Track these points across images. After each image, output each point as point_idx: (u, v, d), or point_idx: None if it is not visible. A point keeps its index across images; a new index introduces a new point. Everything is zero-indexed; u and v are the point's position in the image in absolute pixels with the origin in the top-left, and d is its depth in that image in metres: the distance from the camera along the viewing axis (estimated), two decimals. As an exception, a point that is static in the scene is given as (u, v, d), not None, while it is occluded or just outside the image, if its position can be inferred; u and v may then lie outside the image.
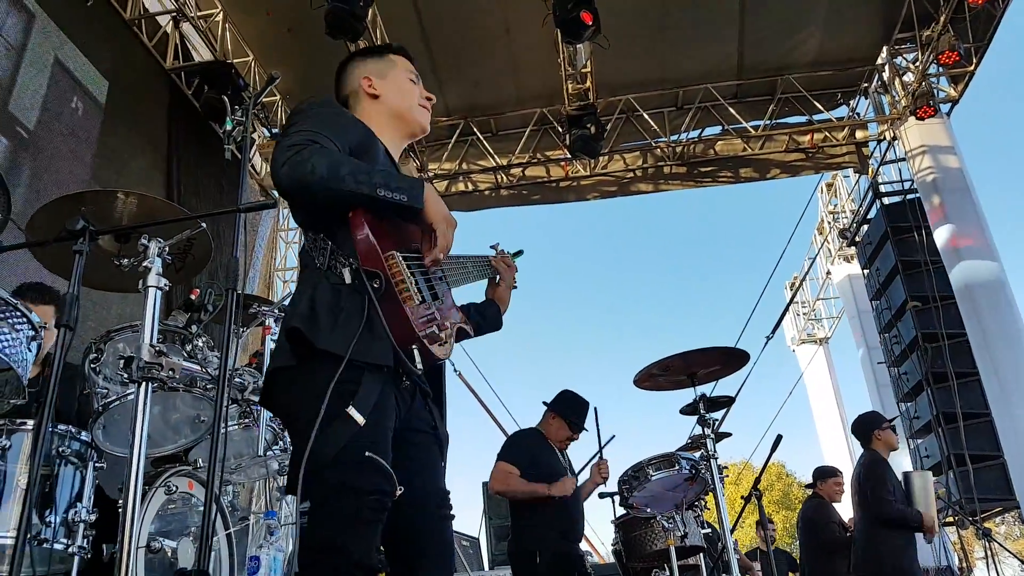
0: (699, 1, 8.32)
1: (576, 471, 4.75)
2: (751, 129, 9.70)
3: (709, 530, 5.24)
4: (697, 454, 4.30)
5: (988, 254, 8.49)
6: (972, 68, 8.74)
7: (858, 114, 10.01)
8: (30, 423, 2.65)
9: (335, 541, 1.67)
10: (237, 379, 3.35)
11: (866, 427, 5.58)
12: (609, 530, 5.26)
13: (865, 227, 10.88)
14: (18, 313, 2.42)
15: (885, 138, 9.75)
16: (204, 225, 2.54)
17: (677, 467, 4.22)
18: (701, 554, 4.93)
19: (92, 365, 3.13)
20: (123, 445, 3.05)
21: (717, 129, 9.85)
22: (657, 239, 64.24)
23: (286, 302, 3.99)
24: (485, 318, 2.35)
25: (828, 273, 14.14)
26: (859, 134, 9.99)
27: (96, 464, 2.85)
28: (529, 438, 4.74)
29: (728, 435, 5.21)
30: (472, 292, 2.51)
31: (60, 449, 2.71)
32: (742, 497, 5.12)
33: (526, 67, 9.02)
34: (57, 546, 2.60)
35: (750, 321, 9.00)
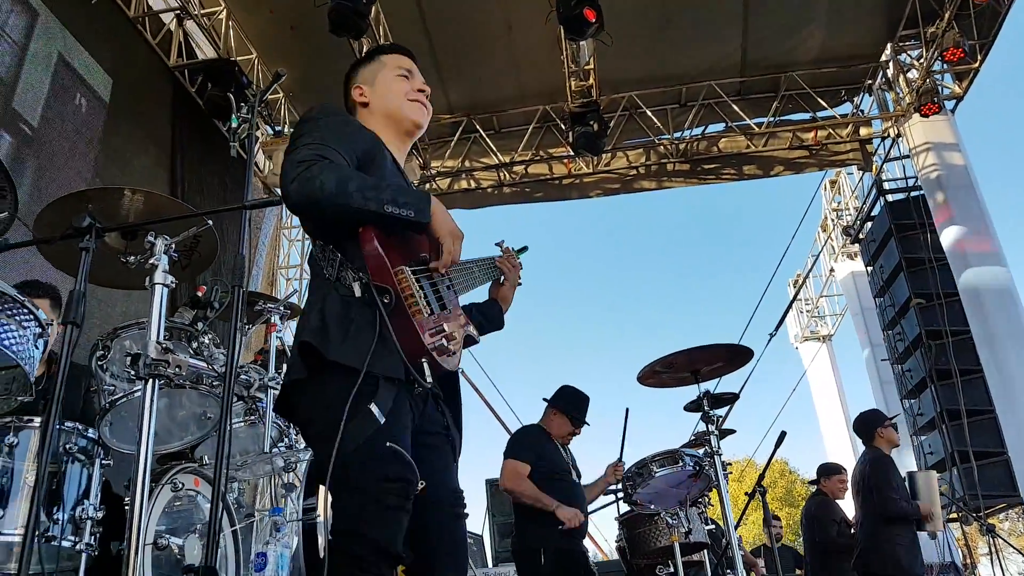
0: (702, -2, 8.31)
1: (580, 470, 4.77)
2: (754, 126, 9.68)
3: (713, 526, 5.24)
4: (701, 450, 4.31)
5: (992, 251, 8.48)
6: (977, 65, 8.72)
7: (862, 111, 9.99)
8: (37, 420, 2.66)
9: (359, 528, 1.71)
10: (243, 376, 3.36)
11: (868, 425, 5.60)
12: (613, 527, 5.27)
13: (869, 224, 10.87)
14: (24, 310, 2.42)
15: (889, 135, 9.73)
16: (210, 223, 2.54)
17: (681, 464, 4.22)
18: (705, 550, 4.94)
19: (99, 362, 3.13)
20: (130, 442, 3.06)
21: (720, 126, 9.85)
22: (660, 237, 64.26)
23: (292, 299, 4.01)
24: (487, 318, 2.37)
25: (831, 270, 14.12)
26: (863, 131, 9.97)
27: (103, 461, 2.85)
28: (533, 434, 4.77)
29: (732, 432, 5.21)
30: (475, 291, 2.51)
31: (67, 446, 2.73)
32: (746, 494, 5.12)
33: (529, 64, 9.01)
34: (65, 543, 2.62)
35: (753, 318, 9.02)
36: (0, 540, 2.46)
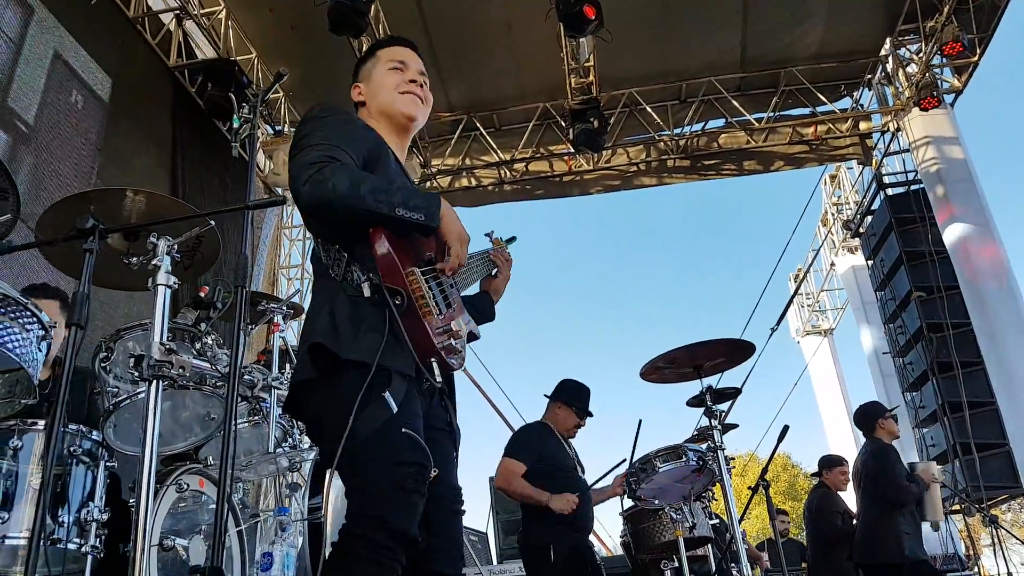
0: (701, -6, 8.31)
1: (584, 469, 4.76)
2: (754, 121, 9.68)
3: (717, 521, 5.25)
4: (704, 445, 4.31)
5: (992, 244, 8.48)
6: (976, 59, 8.71)
7: (862, 105, 9.97)
8: (41, 423, 2.65)
9: (376, 512, 1.72)
10: (247, 376, 3.36)
11: (868, 416, 5.62)
12: (617, 522, 5.27)
13: (869, 218, 10.88)
14: (28, 313, 2.41)
15: (889, 129, 9.73)
16: (213, 223, 2.53)
17: (684, 459, 4.23)
18: (709, 545, 4.95)
19: (102, 364, 3.14)
20: (134, 444, 3.07)
21: (720, 122, 9.85)
22: (661, 233, 64.21)
23: (294, 299, 4.01)
24: (479, 311, 2.37)
25: (832, 264, 14.12)
26: (863, 125, 9.96)
27: (107, 463, 2.86)
28: (535, 432, 4.74)
29: (735, 426, 5.22)
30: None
31: (72, 449, 2.72)
32: (749, 488, 5.13)
33: (528, 62, 9.00)
34: (70, 546, 2.61)
35: (755, 313, 9.01)
36: (6, 544, 2.45)
